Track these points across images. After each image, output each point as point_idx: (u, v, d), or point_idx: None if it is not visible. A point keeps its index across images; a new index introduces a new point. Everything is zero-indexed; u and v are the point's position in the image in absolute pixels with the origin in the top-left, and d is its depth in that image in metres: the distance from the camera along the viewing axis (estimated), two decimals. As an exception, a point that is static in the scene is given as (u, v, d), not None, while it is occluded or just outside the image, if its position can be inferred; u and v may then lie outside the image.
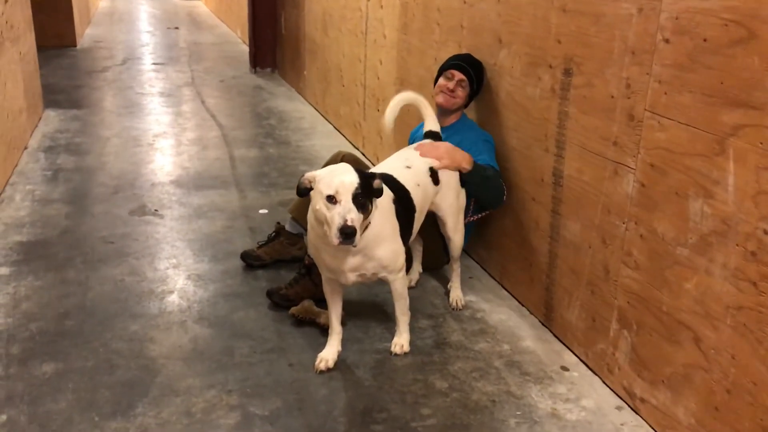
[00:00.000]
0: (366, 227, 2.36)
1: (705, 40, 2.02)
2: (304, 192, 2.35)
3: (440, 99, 3.23)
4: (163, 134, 5.69)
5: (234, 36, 11.41)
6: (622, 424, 2.37)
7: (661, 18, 2.18)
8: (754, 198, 1.89)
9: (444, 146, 2.93)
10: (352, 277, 2.48)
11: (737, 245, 1.96)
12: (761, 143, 1.86)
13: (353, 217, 2.19)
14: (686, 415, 2.19)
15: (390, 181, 2.66)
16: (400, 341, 2.73)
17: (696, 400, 2.15)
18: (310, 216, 2.44)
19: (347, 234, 2.18)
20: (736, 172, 1.95)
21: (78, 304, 2.99)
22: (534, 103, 2.91)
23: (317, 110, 6.53)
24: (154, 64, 8.83)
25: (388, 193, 2.54)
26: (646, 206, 2.31)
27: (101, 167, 4.80)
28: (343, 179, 2.23)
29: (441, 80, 3.25)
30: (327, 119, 6.22)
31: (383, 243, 2.47)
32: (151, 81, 7.76)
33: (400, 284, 2.63)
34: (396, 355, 2.70)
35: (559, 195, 2.78)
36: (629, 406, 2.45)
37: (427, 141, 3.03)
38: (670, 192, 2.19)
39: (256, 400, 2.41)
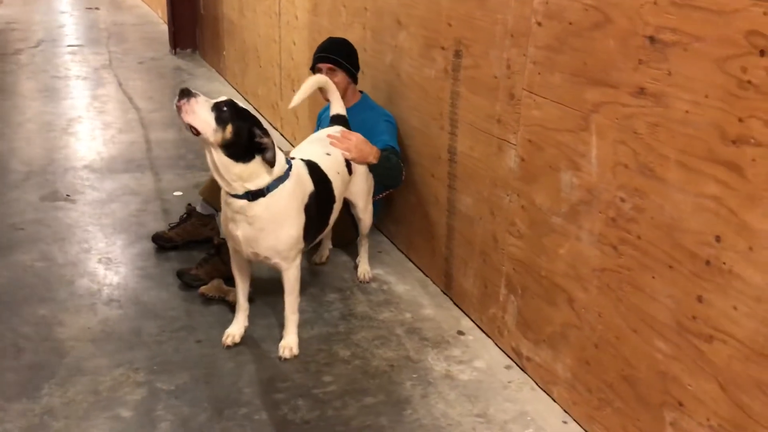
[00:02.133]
0: (262, 192, 2.41)
1: (570, 24, 2.18)
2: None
3: (324, 96, 3.34)
4: (78, 118, 5.61)
5: (155, 16, 11.19)
6: (509, 382, 2.56)
7: (534, 2, 2.33)
8: (612, 169, 2.07)
9: (355, 140, 2.97)
10: (246, 250, 2.55)
11: (600, 212, 2.14)
12: (617, 119, 2.03)
13: (196, 96, 2.29)
14: (564, 370, 2.38)
15: (315, 170, 2.71)
16: (288, 343, 2.65)
17: (571, 356, 2.34)
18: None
19: (181, 90, 2.31)
20: (598, 146, 2.12)
21: (-16, 290, 3.00)
22: (430, 84, 3.04)
23: (237, 91, 6.54)
24: (70, 46, 8.61)
25: (306, 185, 2.60)
26: (526, 179, 2.47)
27: (12, 153, 4.73)
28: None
29: None
30: (247, 100, 6.23)
31: (279, 224, 2.49)
32: (67, 64, 7.59)
33: (292, 275, 2.61)
34: (285, 359, 2.61)
35: (454, 171, 2.93)
36: (517, 365, 2.64)
37: (338, 128, 3.07)
38: (546, 165, 2.36)
39: (164, 376, 2.50)
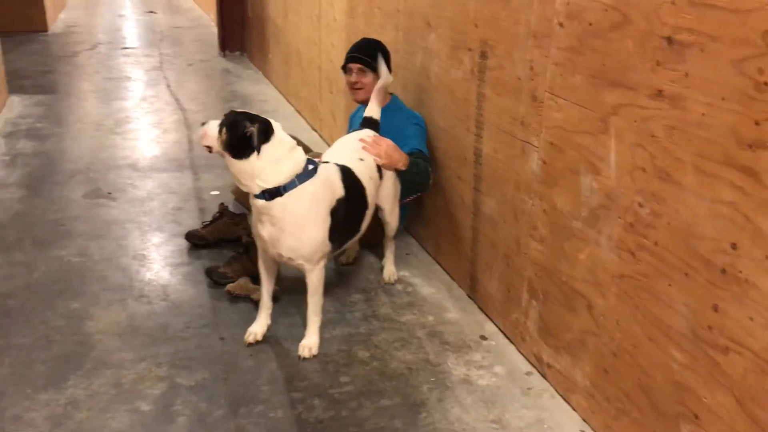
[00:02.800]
0: (279, 192, 2.45)
1: (590, 24, 2.14)
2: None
3: (353, 97, 3.38)
4: (126, 119, 5.77)
5: (207, 19, 11.43)
6: (529, 389, 2.52)
7: (556, 3, 2.30)
8: (630, 173, 2.02)
9: (385, 146, 2.96)
10: (272, 250, 2.58)
11: (619, 217, 2.09)
12: (635, 121, 1.98)
13: (207, 123, 2.48)
14: (583, 377, 2.33)
15: (349, 176, 2.73)
16: (308, 343, 2.67)
17: (590, 364, 2.29)
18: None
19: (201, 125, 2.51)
20: (616, 149, 2.07)
21: (23, 284, 3.11)
22: (457, 85, 3.02)
23: (281, 93, 6.62)
24: (125, 48, 8.87)
25: (335, 189, 2.61)
26: (547, 183, 2.43)
27: (61, 152, 4.89)
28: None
29: (345, 79, 3.37)
30: (289, 101, 6.31)
31: (301, 226, 2.50)
32: (121, 66, 7.82)
33: (316, 277, 2.63)
34: (304, 359, 2.63)
35: (479, 173, 2.91)
36: (538, 371, 2.59)
37: (369, 133, 3.06)
38: (566, 168, 2.32)
39: (184, 372, 2.54)
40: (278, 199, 2.46)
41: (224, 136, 2.42)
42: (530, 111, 2.49)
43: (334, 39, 4.78)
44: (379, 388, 2.49)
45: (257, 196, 2.48)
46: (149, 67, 7.72)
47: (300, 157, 2.53)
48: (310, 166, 2.55)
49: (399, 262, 3.35)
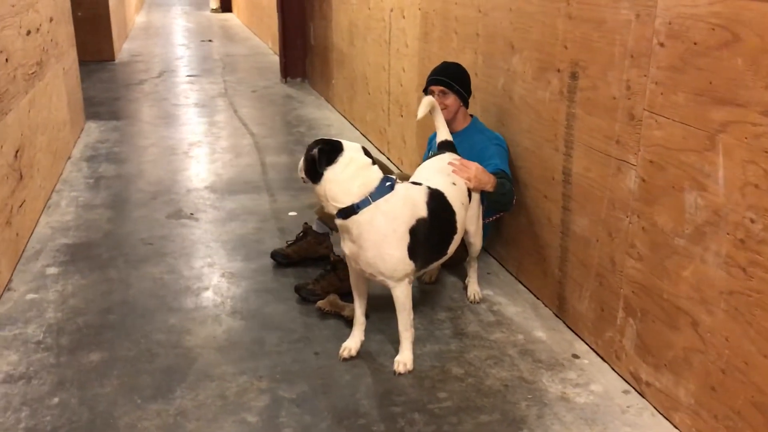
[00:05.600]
0: (353, 210, 2.52)
1: (695, 44, 2.17)
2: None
3: None
4: (198, 143, 5.95)
5: (265, 47, 11.72)
6: (628, 407, 2.51)
7: (656, 23, 2.33)
8: (741, 189, 2.03)
9: (474, 169, 3.00)
10: (355, 266, 2.66)
11: (728, 234, 2.09)
12: (746, 138, 1.99)
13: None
14: (687, 396, 2.32)
15: (439, 200, 2.76)
16: (403, 359, 2.71)
17: (695, 382, 2.28)
18: None
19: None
20: (725, 166, 2.09)
21: (120, 299, 3.23)
22: (544, 106, 3.06)
23: (344, 117, 6.75)
24: (188, 76, 9.15)
25: (416, 208, 2.64)
26: (646, 200, 2.45)
27: (140, 174, 5.07)
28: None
29: None
30: (354, 126, 6.42)
31: (376, 243, 2.55)
32: (186, 92, 8.06)
33: (400, 293, 2.65)
34: (400, 374, 2.68)
35: (568, 192, 2.93)
36: (636, 389, 2.59)
37: (454, 156, 3.07)
38: (668, 186, 2.33)
39: (285, 385, 2.61)
40: (353, 217, 2.53)
41: (302, 164, 2.59)
42: (627, 129, 2.52)
43: (406, 64, 4.87)
44: (477, 404, 2.52)
45: (336, 216, 2.57)
46: (214, 94, 7.95)
47: (372, 176, 2.57)
48: (387, 183, 2.59)
49: (481, 281, 3.38)
